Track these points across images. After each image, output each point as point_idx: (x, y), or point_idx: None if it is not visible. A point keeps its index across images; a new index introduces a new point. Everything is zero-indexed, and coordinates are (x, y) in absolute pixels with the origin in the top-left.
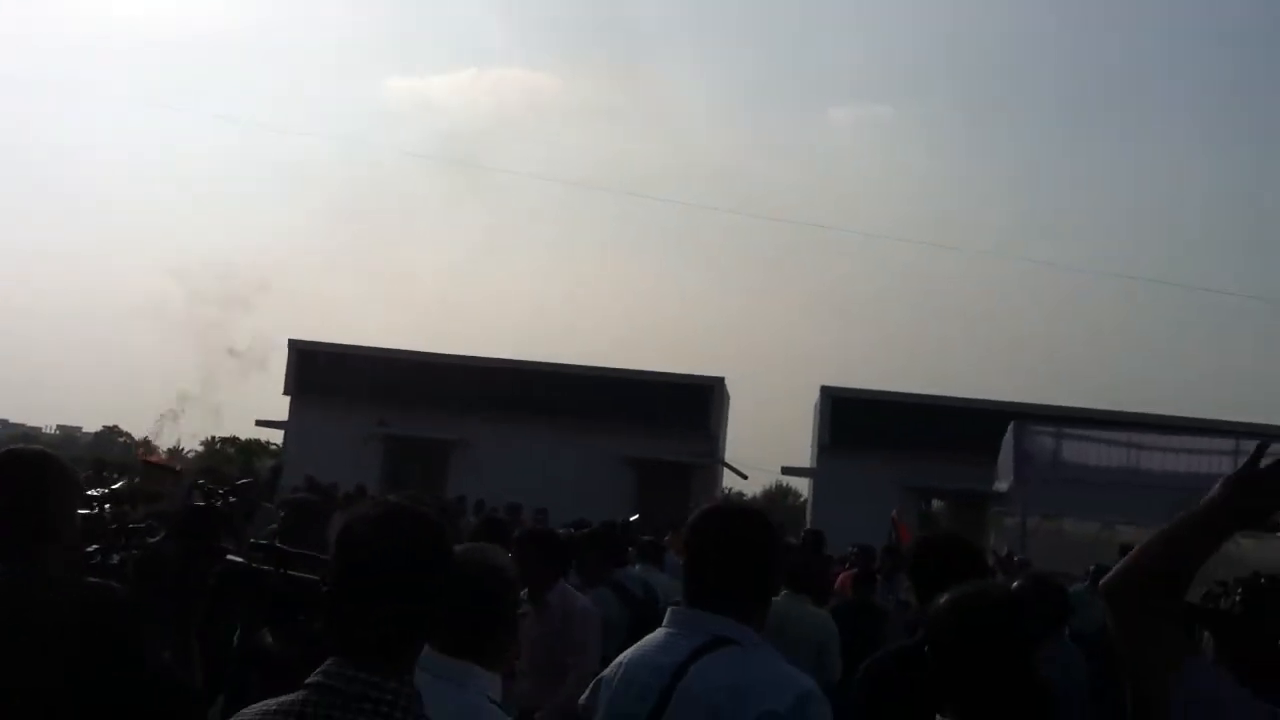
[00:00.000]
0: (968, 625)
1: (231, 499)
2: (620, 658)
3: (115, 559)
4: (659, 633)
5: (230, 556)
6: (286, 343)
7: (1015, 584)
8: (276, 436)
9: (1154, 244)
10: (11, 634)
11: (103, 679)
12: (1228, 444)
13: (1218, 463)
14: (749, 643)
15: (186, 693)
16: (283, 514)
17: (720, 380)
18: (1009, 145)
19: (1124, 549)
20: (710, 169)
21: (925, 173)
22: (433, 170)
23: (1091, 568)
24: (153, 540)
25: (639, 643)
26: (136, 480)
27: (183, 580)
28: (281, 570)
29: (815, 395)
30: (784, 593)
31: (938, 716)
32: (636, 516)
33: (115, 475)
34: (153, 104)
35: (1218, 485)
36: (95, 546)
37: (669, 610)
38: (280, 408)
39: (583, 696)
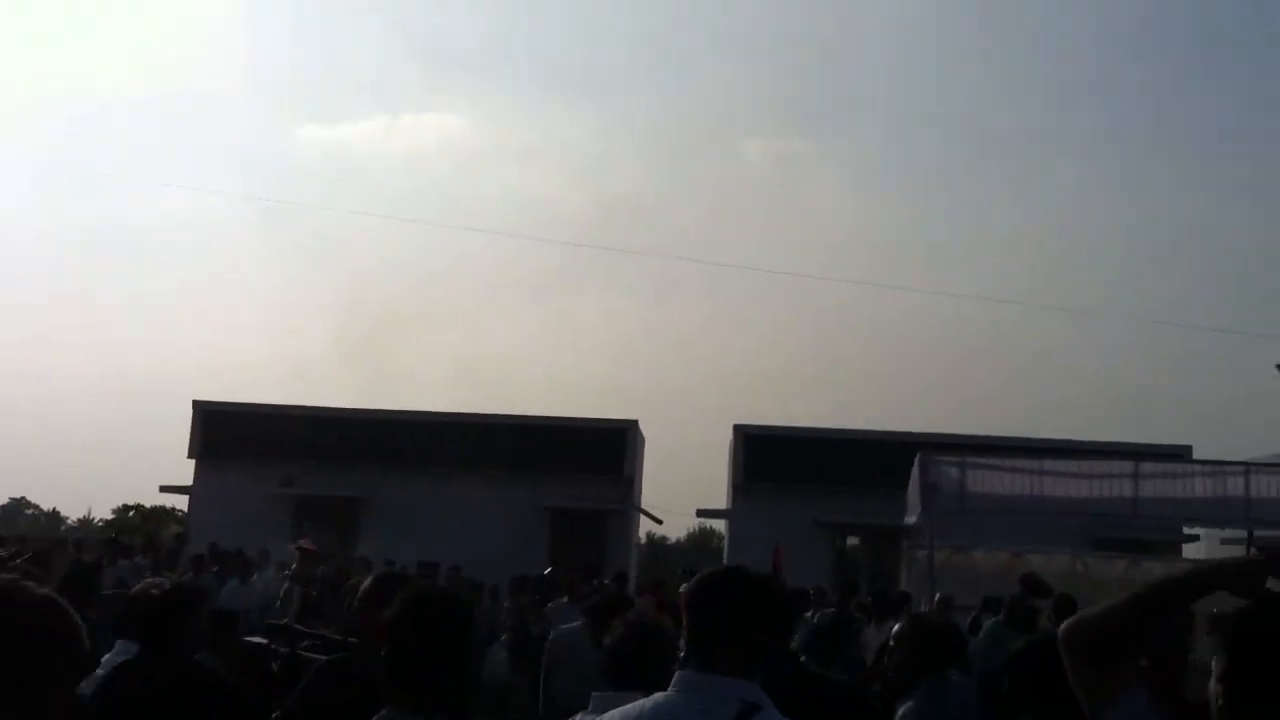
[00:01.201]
0: None
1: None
2: None
3: None
4: (674, 698)
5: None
6: (190, 404)
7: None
8: (182, 502)
9: (1049, 270)
10: None
11: None
12: (1128, 467)
13: (1119, 486)
14: (768, 704)
15: None
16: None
17: (634, 423)
18: (908, 179)
19: (1026, 579)
20: (621, 208)
21: (832, 207)
22: (341, 219)
23: (981, 599)
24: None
25: (643, 708)
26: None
27: None
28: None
29: (729, 435)
30: None
31: None
32: (550, 570)
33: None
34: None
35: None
36: None
37: (677, 675)
38: (185, 471)
39: None
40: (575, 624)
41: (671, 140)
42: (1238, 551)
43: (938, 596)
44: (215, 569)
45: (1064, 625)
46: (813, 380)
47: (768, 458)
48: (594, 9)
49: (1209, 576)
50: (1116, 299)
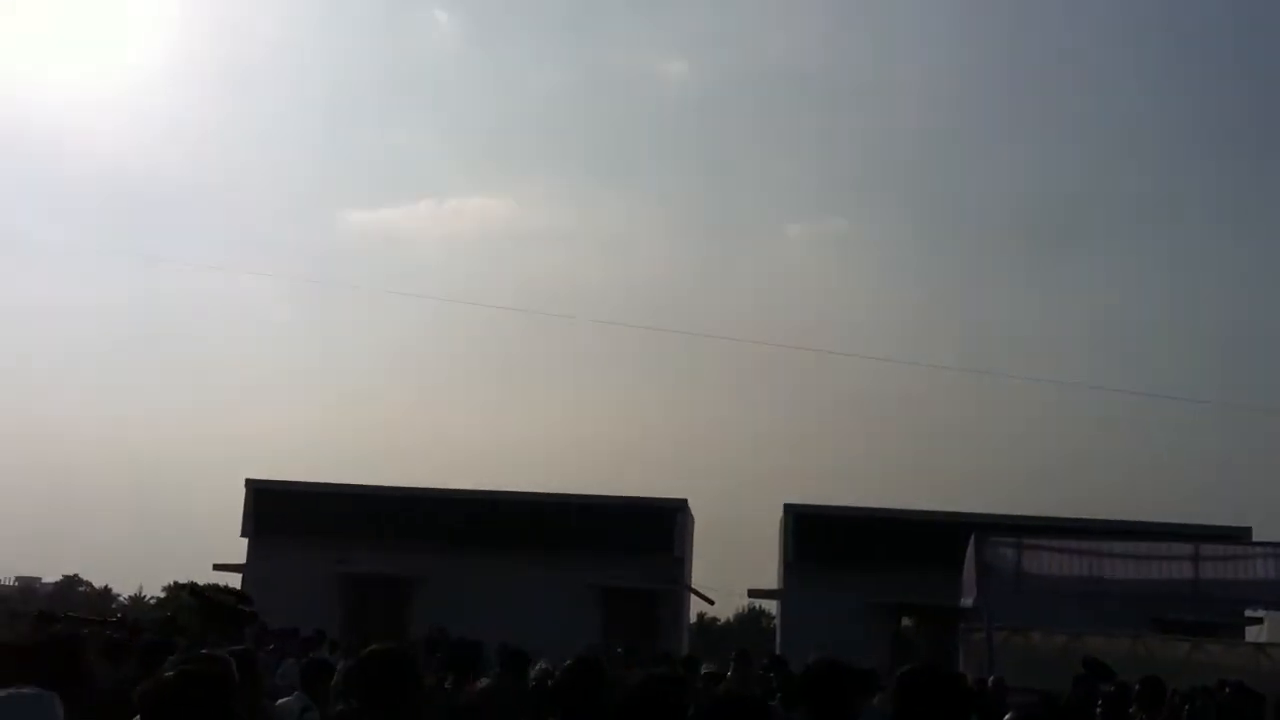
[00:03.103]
0: None
1: None
2: None
3: None
4: None
5: None
6: (244, 482)
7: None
8: (235, 580)
9: (1107, 354)
10: None
11: None
12: (1187, 549)
13: (1179, 568)
14: None
15: None
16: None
17: (684, 502)
18: (961, 259)
19: (1087, 661)
20: (668, 290)
21: (880, 287)
22: (387, 303)
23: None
24: None
25: None
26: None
27: None
28: None
29: (779, 514)
30: None
31: None
32: (622, 650)
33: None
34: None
35: None
36: None
37: None
38: (238, 549)
39: None
40: None
41: (714, 223)
42: None
43: (991, 680)
44: (271, 646)
45: None
46: (863, 459)
47: (819, 537)
48: (632, 96)
49: None
50: (1174, 381)
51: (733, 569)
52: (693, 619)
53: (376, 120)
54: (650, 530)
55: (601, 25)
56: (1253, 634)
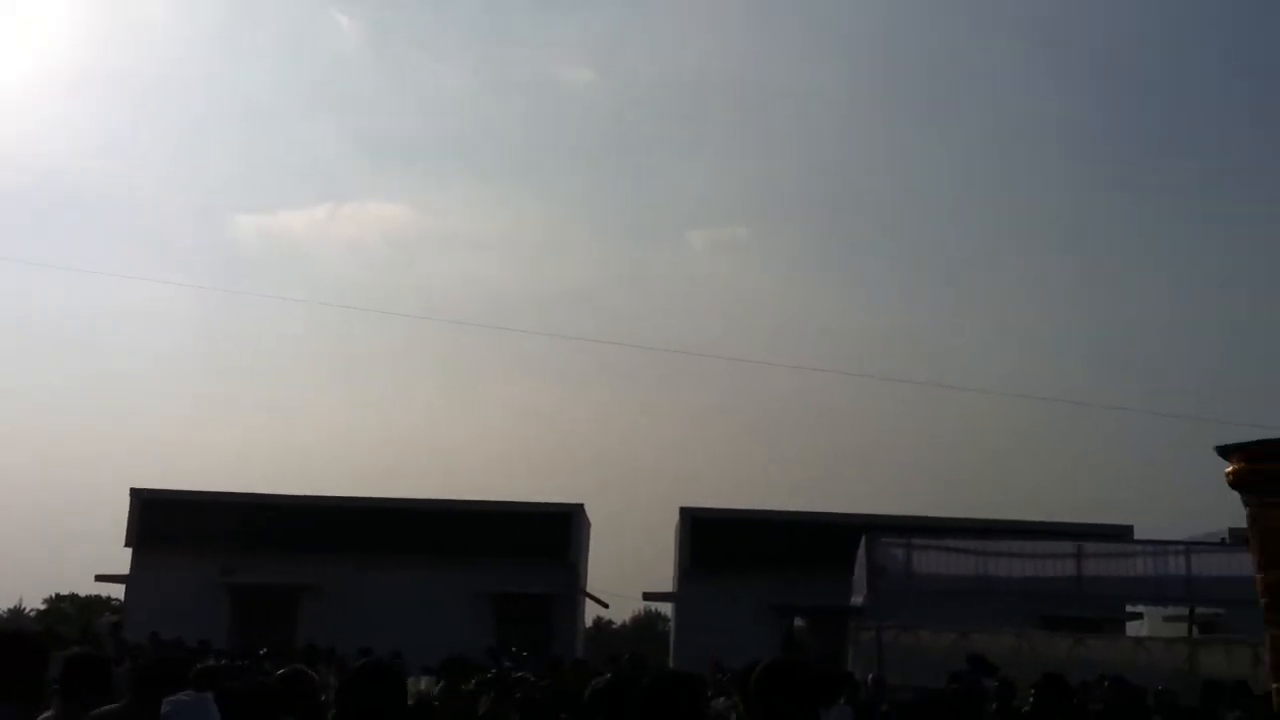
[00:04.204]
0: None
1: None
2: None
3: None
4: None
5: None
6: (129, 491)
7: None
8: (119, 591)
9: (996, 359)
10: None
11: None
12: (1071, 547)
13: (1062, 566)
14: None
15: None
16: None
17: (579, 507)
18: (854, 264)
19: (971, 657)
20: (564, 296)
21: (778, 293)
22: (285, 308)
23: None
24: None
25: None
26: None
27: None
28: None
29: (676, 518)
30: None
31: None
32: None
33: None
34: None
35: None
36: None
37: None
38: (122, 560)
39: None
40: None
41: (616, 230)
42: (1180, 629)
43: (870, 677)
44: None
45: None
46: (758, 463)
47: (714, 540)
48: (538, 101)
49: None
50: (1056, 384)
51: (630, 573)
52: (589, 623)
53: (276, 124)
54: (546, 535)
55: (506, 30)
56: (1133, 629)
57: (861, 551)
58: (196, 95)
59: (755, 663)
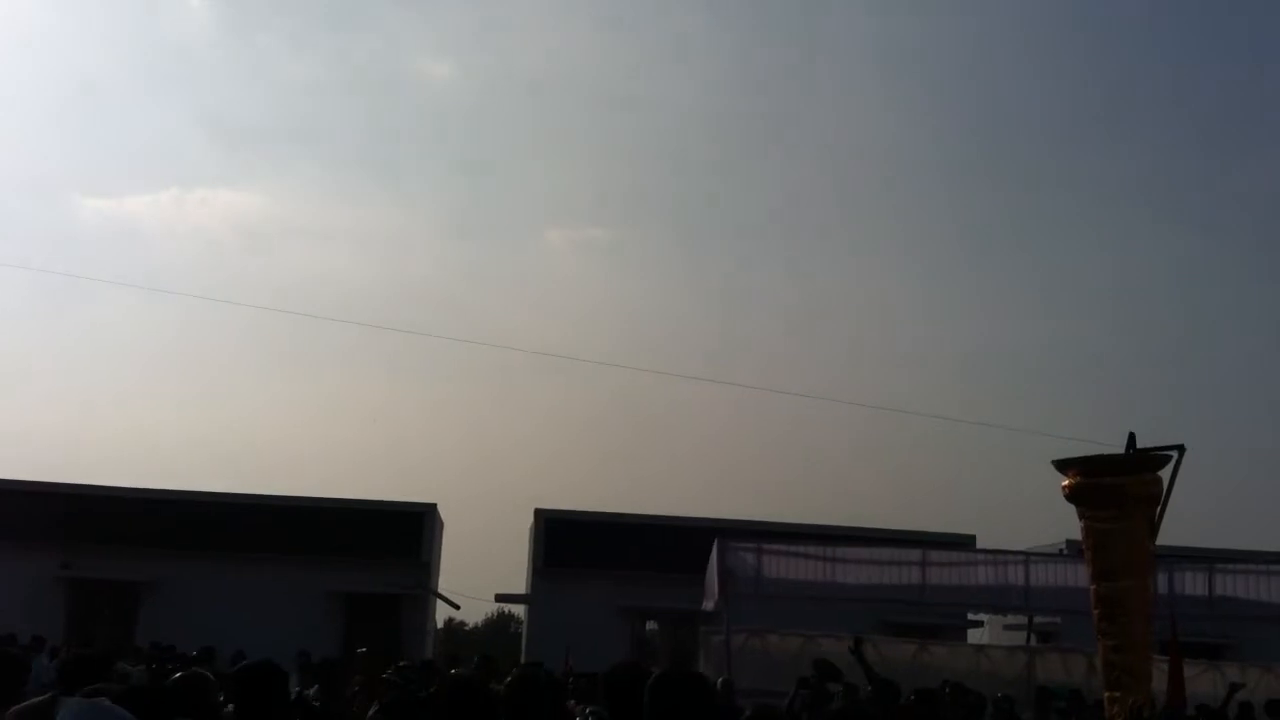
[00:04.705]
0: None
1: None
2: None
3: None
4: None
5: None
6: None
7: None
8: None
9: (850, 369)
10: None
11: None
12: (915, 555)
13: (907, 573)
14: None
15: None
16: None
17: (432, 507)
18: (718, 269)
19: (817, 663)
20: (415, 291)
21: (633, 295)
22: (124, 293)
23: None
24: None
25: None
26: None
27: None
28: None
29: (530, 518)
30: None
31: None
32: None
33: None
34: None
35: None
36: None
37: None
38: None
39: None
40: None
41: (470, 226)
42: (1019, 636)
43: (720, 681)
44: None
45: None
46: (613, 465)
47: (568, 542)
48: (394, 94)
49: None
50: (908, 393)
51: (484, 574)
52: (440, 624)
53: (122, 107)
54: (397, 535)
55: (363, 20)
56: (974, 635)
57: (713, 556)
58: (33, 72)
59: (623, 665)
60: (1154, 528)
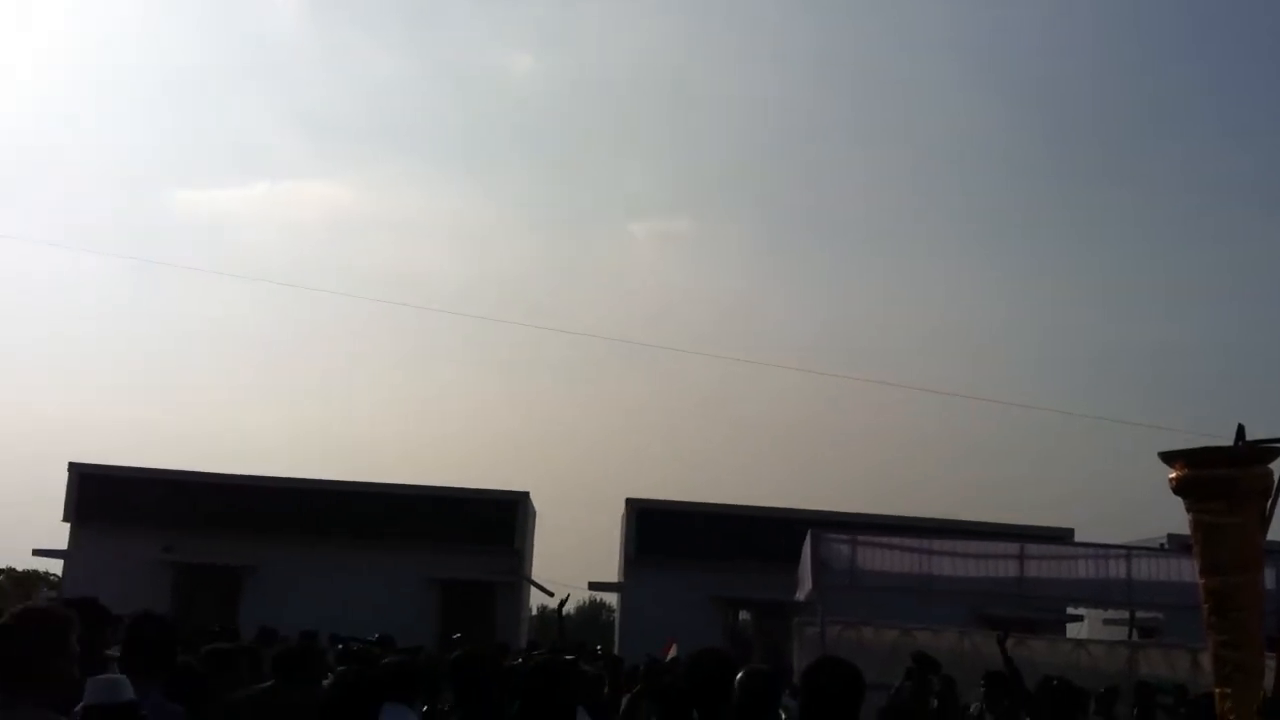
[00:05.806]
0: None
1: None
2: None
3: None
4: None
5: None
6: (67, 466)
7: None
8: (56, 566)
9: (944, 358)
10: None
11: None
12: (1013, 548)
13: (1004, 567)
14: None
15: None
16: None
17: (525, 495)
18: (806, 260)
19: (916, 655)
20: (511, 283)
21: (721, 284)
22: (222, 286)
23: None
24: None
25: None
26: None
27: None
28: None
29: (621, 508)
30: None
31: None
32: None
33: None
34: None
35: None
36: None
37: None
38: (60, 535)
39: None
40: None
41: (560, 218)
42: (1118, 631)
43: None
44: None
45: None
46: (705, 456)
47: (660, 532)
48: (478, 88)
49: None
50: (1007, 388)
51: (575, 562)
52: (533, 611)
53: (212, 101)
54: (491, 522)
55: (446, 16)
56: (1074, 630)
57: (807, 547)
58: (128, 70)
59: (707, 651)
60: (1265, 521)
